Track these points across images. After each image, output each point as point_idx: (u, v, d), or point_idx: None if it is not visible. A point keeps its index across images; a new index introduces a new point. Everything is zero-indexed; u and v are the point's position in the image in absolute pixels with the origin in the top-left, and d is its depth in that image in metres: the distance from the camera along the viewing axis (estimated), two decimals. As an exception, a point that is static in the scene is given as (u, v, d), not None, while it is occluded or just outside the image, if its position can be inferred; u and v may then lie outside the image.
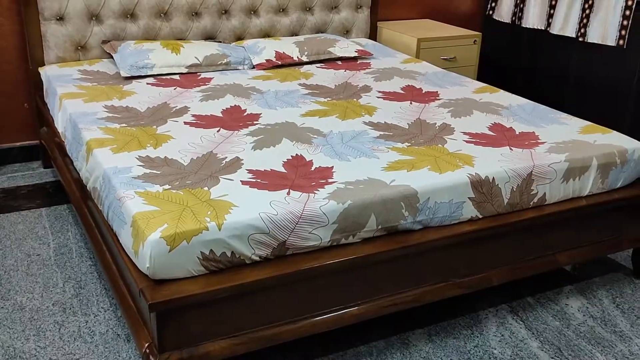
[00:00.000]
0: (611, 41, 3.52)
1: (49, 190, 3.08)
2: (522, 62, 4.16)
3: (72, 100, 2.59)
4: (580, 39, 3.65)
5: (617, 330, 2.22)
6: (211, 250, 1.71)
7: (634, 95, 3.50)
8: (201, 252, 1.70)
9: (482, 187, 2.06)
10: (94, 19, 3.11)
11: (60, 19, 3.04)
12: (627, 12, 3.42)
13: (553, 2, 3.80)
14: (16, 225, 2.75)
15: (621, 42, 3.49)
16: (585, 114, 3.10)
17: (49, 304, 2.25)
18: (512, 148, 2.28)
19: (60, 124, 2.64)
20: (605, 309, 2.33)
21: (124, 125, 2.36)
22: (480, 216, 2.10)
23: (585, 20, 3.62)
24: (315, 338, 1.96)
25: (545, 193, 2.19)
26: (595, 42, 3.58)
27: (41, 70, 3.05)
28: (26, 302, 2.25)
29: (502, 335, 2.17)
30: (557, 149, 2.28)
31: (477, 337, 2.16)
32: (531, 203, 2.18)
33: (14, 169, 3.28)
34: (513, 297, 2.37)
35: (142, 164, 2.04)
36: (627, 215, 2.39)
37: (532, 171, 2.14)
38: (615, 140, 2.39)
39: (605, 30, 3.53)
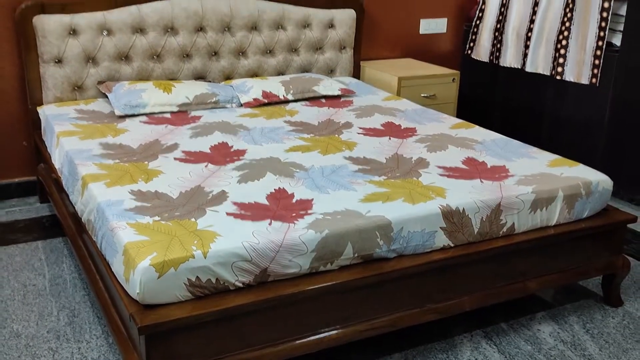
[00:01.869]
0: (585, 79, 3.70)
1: (45, 224, 3.20)
2: (499, 99, 4.35)
3: (68, 138, 2.74)
4: (558, 78, 3.83)
5: (587, 354, 2.33)
6: (197, 277, 1.84)
7: (605, 131, 3.67)
8: (188, 278, 1.83)
9: (452, 217, 2.20)
10: (90, 61, 3.28)
11: (59, 61, 3.21)
12: (598, 52, 3.61)
13: (527, 43, 4.00)
14: (13, 257, 2.87)
15: (594, 80, 3.67)
16: (559, 148, 3.26)
17: (44, 331, 2.36)
18: (482, 180, 2.42)
19: (57, 161, 2.78)
20: (576, 334, 2.45)
21: (117, 161, 2.50)
22: (452, 245, 2.23)
23: (561, 60, 3.80)
24: (296, 361, 2.08)
25: (514, 223, 2.33)
26: (570, 80, 3.77)
27: (40, 109, 3.20)
28: (22, 330, 2.36)
29: (476, 359, 2.28)
30: (525, 181, 2.43)
31: None
32: (501, 232, 2.32)
33: (12, 204, 3.41)
34: (487, 322, 2.49)
35: (134, 197, 2.17)
36: (593, 244, 2.52)
37: (500, 202, 2.28)
38: (581, 172, 2.54)
39: (580, 69, 3.72)
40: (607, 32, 3.56)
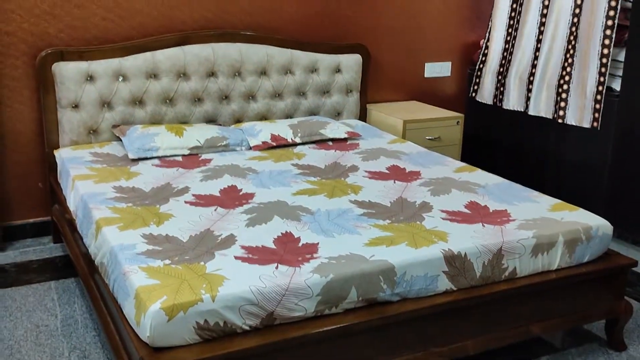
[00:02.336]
0: (586, 123, 3.78)
1: (58, 265, 3.28)
2: (503, 142, 4.42)
3: (83, 182, 2.83)
4: (560, 121, 3.91)
5: (589, 397, 2.36)
6: (205, 320, 1.90)
7: (608, 173, 3.73)
8: (196, 321, 1.89)
9: (455, 262, 2.26)
10: (105, 105, 3.39)
11: (76, 106, 3.33)
12: (599, 97, 3.70)
13: (530, 86, 4.09)
14: (27, 298, 2.94)
15: (595, 123, 3.74)
16: (563, 191, 3.32)
17: (56, 372, 2.42)
18: (484, 225, 2.48)
19: (72, 203, 2.86)
20: (578, 376, 2.48)
21: (130, 204, 2.58)
22: (455, 288, 2.28)
23: (563, 104, 3.89)
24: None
25: (515, 267, 2.38)
26: (572, 124, 3.84)
27: (56, 152, 3.31)
28: (34, 370, 2.42)
29: None
30: (526, 225, 2.49)
31: None
32: (503, 276, 2.37)
33: (26, 244, 3.49)
34: (491, 365, 2.52)
35: (145, 240, 2.25)
36: (595, 288, 2.57)
37: (501, 247, 2.34)
38: (581, 217, 2.59)
39: (581, 112, 3.80)
40: (607, 77, 3.65)
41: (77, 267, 2.82)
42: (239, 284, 1.97)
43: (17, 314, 2.80)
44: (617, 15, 3.57)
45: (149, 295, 1.89)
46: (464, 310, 2.29)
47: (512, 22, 4.24)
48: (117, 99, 3.40)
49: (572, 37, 3.81)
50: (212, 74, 3.62)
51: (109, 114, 3.41)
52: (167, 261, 2.10)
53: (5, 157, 3.39)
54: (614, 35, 3.60)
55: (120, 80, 3.39)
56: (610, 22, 3.59)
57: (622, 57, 3.65)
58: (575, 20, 3.78)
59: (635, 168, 3.62)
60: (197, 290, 1.92)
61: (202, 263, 2.09)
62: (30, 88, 3.37)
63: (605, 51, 3.63)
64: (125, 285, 2.03)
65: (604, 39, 3.62)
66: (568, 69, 3.84)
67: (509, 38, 4.26)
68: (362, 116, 4.19)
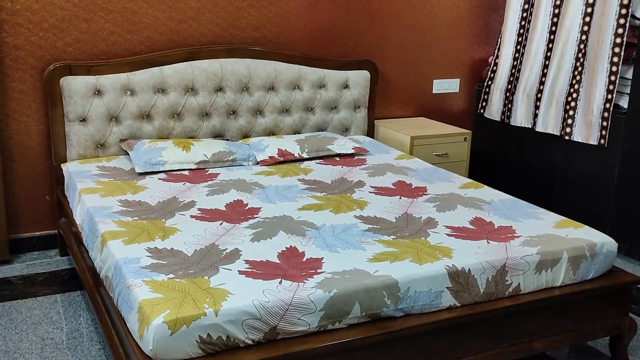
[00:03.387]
0: (594, 140, 3.77)
1: (64, 277, 3.30)
2: (510, 158, 4.42)
3: (90, 195, 2.85)
4: (567, 138, 3.90)
5: (594, 415, 2.35)
6: (208, 334, 1.90)
7: (614, 191, 3.72)
8: (199, 335, 1.89)
9: (459, 278, 2.26)
10: (113, 120, 3.42)
11: (83, 120, 3.36)
12: (606, 114, 3.69)
13: (538, 103, 4.10)
14: (32, 311, 2.95)
15: (602, 141, 3.74)
16: (570, 207, 3.32)
17: (60, 384, 2.43)
18: (489, 241, 2.48)
19: (78, 217, 2.89)
20: (583, 394, 2.47)
21: (135, 218, 2.60)
22: (459, 304, 2.28)
23: (570, 121, 3.89)
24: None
25: (519, 283, 2.37)
26: (579, 141, 3.84)
27: (63, 166, 3.34)
28: (39, 383, 2.43)
29: None
30: (530, 242, 2.48)
31: None
32: (506, 292, 2.36)
33: (32, 257, 3.51)
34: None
35: (150, 254, 2.26)
36: (599, 305, 2.55)
37: (505, 263, 2.33)
38: (585, 234, 2.59)
39: (587, 130, 3.80)
40: (614, 95, 3.65)
41: (82, 280, 2.84)
42: (242, 298, 1.98)
43: (23, 327, 2.81)
44: (625, 33, 3.58)
45: (152, 308, 1.90)
46: (467, 326, 2.29)
47: (520, 39, 4.25)
48: (125, 113, 3.43)
49: (580, 55, 3.82)
50: (220, 89, 3.65)
51: (117, 128, 3.44)
52: (171, 275, 2.11)
53: (12, 170, 3.43)
54: (622, 53, 3.60)
55: (128, 94, 3.43)
56: (618, 40, 3.60)
57: (629, 74, 3.65)
58: (584, 37, 3.79)
59: (643, 185, 3.61)
60: (200, 305, 1.93)
61: (206, 277, 2.10)
62: (38, 101, 3.41)
63: (614, 68, 3.63)
64: (129, 299, 2.04)
65: (612, 56, 3.63)
66: (576, 86, 3.84)
67: (517, 55, 4.27)
68: (370, 132, 4.21)
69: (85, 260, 2.83)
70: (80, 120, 3.36)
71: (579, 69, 3.83)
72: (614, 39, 3.62)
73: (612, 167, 3.72)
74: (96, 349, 2.66)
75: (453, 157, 4.10)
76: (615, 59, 3.62)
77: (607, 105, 3.69)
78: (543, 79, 4.07)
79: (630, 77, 3.64)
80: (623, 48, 3.60)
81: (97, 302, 2.57)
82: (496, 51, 4.40)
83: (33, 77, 3.37)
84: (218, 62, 3.63)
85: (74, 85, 3.30)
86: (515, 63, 4.29)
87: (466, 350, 2.31)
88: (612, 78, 3.65)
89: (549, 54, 4.03)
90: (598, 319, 2.57)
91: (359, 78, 4.05)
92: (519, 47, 4.26)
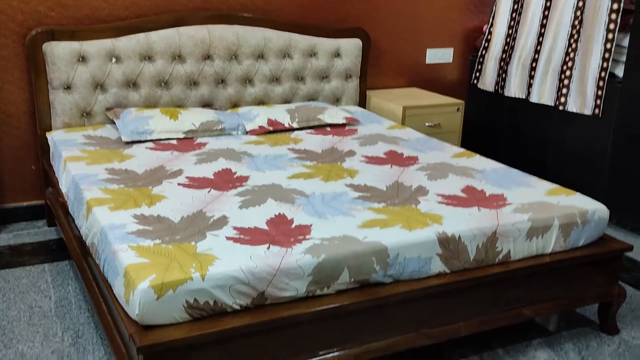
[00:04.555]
0: (588, 110, 3.74)
1: (52, 247, 3.27)
2: (504, 129, 4.39)
3: (75, 163, 2.81)
4: (561, 108, 3.87)
5: (583, 381, 2.35)
6: (195, 299, 1.88)
7: (608, 161, 3.70)
8: (186, 300, 1.87)
9: (449, 244, 2.24)
10: (99, 88, 3.36)
11: (68, 88, 3.30)
12: (601, 83, 3.66)
13: (532, 73, 4.05)
14: (20, 280, 2.92)
15: (597, 111, 3.71)
16: (564, 178, 3.29)
17: (48, 352, 2.40)
18: (480, 208, 2.46)
19: (64, 185, 2.85)
20: (572, 361, 2.47)
21: (122, 186, 2.56)
22: (448, 271, 2.26)
23: (564, 90, 3.85)
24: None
25: (509, 250, 2.36)
26: (574, 111, 3.81)
27: (48, 135, 3.29)
28: (27, 350, 2.41)
29: None
30: (522, 209, 2.46)
31: None
32: (497, 259, 2.35)
33: (20, 227, 3.48)
34: (483, 347, 2.50)
35: (136, 221, 2.23)
36: (589, 272, 2.54)
37: (496, 230, 2.31)
38: (577, 201, 2.57)
39: (583, 100, 3.76)
40: (610, 63, 3.61)
41: (70, 249, 2.81)
42: (229, 263, 1.95)
43: (10, 295, 2.79)
44: (623, -1, 3.53)
45: (138, 273, 1.88)
46: (457, 293, 2.28)
47: (516, 7, 4.19)
48: (111, 81, 3.37)
49: (577, 22, 3.76)
50: (208, 56, 3.58)
51: (102, 96, 3.38)
52: (158, 241, 2.08)
53: (-3, 139, 3.38)
54: (619, 20, 3.55)
55: (113, 61, 3.36)
56: (615, 6, 3.54)
57: (626, 42, 3.60)
58: (581, 4, 3.72)
59: (636, 156, 3.59)
60: (187, 269, 1.90)
61: (192, 243, 2.07)
62: (21, 68, 3.33)
63: (610, 36, 3.58)
64: (114, 264, 2.01)
65: (608, 23, 3.57)
66: (571, 55, 3.79)
67: (512, 23, 4.21)
68: (362, 102, 4.16)
69: (72, 230, 2.79)
70: (65, 88, 3.29)
71: (575, 36, 3.78)
72: (611, 5, 3.55)
73: (606, 138, 3.70)
74: (85, 317, 2.64)
75: (446, 128, 4.06)
76: (612, 26, 3.57)
77: (603, 74, 3.64)
78: (538, 48, 4.02)
79: (627, 45, 3.59)
80: (620, 15, 3.55)
81: (84, 271, 2.55)
82: (491, 19, 4.34)
83: (15, 43, 3.29)
84: (206, 29, 3.56)
85: (58, 52, 3.23)
86: (510, 32, 4.23)
87: (456, 316, 2.30)
88: (608, 46, 3.60)
89: (545, 21, 3.97)
90: (588, 286, 2.56)
91: (351, 46, 3.99)
92: (514, 14, 4.20)
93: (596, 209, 2.52)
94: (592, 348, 2.55)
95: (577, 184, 3.49)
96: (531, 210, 2.44)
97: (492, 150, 4.27)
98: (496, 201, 2.55)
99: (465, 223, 2.31)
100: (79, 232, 2.56)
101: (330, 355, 2.09)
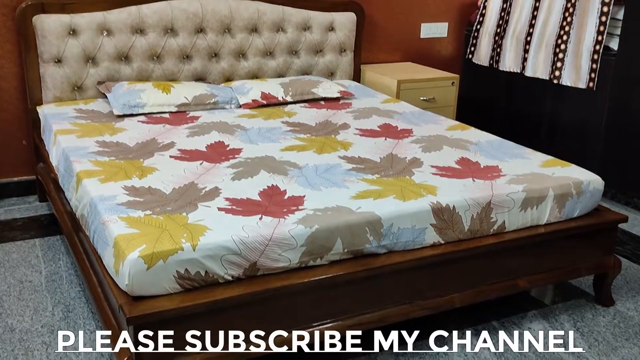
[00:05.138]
0: (582, 84, 3.71)
1: (44, 223, 3.24)
2: (499, 104, 4.36)
3: (65, 136, 2.77)
4: (555, 82, 3.84)
5: (576, 352, 2.34)
6: (186, 269, 1.86)
7: (602, 135, 3.68)
8: (177, 270, 1.85)
9: (443, 214, 2.21)
10: (90, 61, 3.31)
11: (59, 61, 3.24)
12: (596, 56, 3.62)
13: (527, 47, 4.01)
14: (10, 255, 2.90)
15: (591, 84, 3.68)
16: (558, 152, 3.25)
17: (38, 326, 2.38)
18: (474, 179, 2.44)
19: (54, 158, 2.81)
20: (566, 332, 2.46)
21: (112, 158, 2.53)
22: (443, 242, 2.24)
23: (559, 64, 3.81)
24: (284, 356, 2.09)
25: (504, 221, 2.34)
26: (568, 84, 3.78)
27: (39, 109, 3.24)
28: (16, 325, 2.39)
29: (466, 356, 2.29)
30: (516, 180, 2.44)
31: (442, 357, 2.28)
32: (491, 230, 2.33)
33: (11, 203, 3.44)
34: (478, 320, 2.49)
35: (127, 192, 2.20)
36: (584, 243, 2.53)
37: (490, 200, 2.29)
38: (572, 172, 2.55)
39: (577, 73, 3.73)
40: (604, 37, 3.57)
41: (61, 224, 2.78)
42: (221, 233, 1.92)
43: (0, 270, 2.76)
44: (617, -29, 3.49)
45: (127, 243, 1.85)
46: (451, 264, 2.26)
47: (510, -19, 4.14)
48: (102, 55, 3.32)
49: (571, -5, 3.73)
50: (200, 30, 3.53)
51: (94, 70, 3.33)
52: (148, 212, 2.05)
53: (-12, 114, 3.34)
54: (614, -8, 3.51)
55: (104, 34, 3.31)
56: (610, -21, 3.50)
57: (620, 15, 3.57)
58: (576, -24, 3.69)
59: (630, 129, 3.57)
60: (178, 239, 1.87)
61: (184, 214, 2.05)
62: (11, 42, 3.28)
63: (605, 9, 3.54)
64: (104, 235, 1.99)
65: (604, -5, 3.54)
66: (566, 28, 3.75)
67: (506, -3, 4.17)
68: (356, 77, 4.11)
69: (63, 205, 2.77)
70: (55, 62, 3.24)
71: (570, 9, 3.73)
72: (606, -22, 3.52)
73: (600, 111, 3.67)
74: (75, 291, 2.62)
75: (440, 102, 4.03)
76: (607, -1, 3.53)
77: (597, 47, 3.61)
78: (533, 22, 3.98)
79: (622, 18, 3.55)
80: (615, -13, 3.51)
81: (75, 245, 2.53)
82: (485, -7, 4.30)
83: (5, 16, 3.24)
84: (198, 2, 3.51)
85: (48, 25, 3.17)
86: (504, 5, 4.18)
87: (450, 287, 2.29)
88: (603, 19, 3.56)
89: (539, -6, 3.93)
90: (583, 257, 2.55)
91: (345, 20, 3.94)
92: (509, -12, 4.16)
93: (591, 179, 2.50)
94: (587, 319, 2.54)
95: (572, 158, 3.46)
96: (526, 181, 2.42)
97: (487, 124, 4.22)
98: (491, 172, 2.52)
99: (460, 193, 2.29)
100: (70, 206, 2.54)
101: (324, 326, 2.07)
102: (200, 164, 2.52)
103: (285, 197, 2.22)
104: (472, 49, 4.43)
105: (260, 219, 2.03)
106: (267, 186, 2.31)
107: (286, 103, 3.49)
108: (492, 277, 2.36)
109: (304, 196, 2.23)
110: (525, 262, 2.42)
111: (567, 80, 3.78)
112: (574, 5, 3.71)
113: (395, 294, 2.18)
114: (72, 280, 2.70)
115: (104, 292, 2.11)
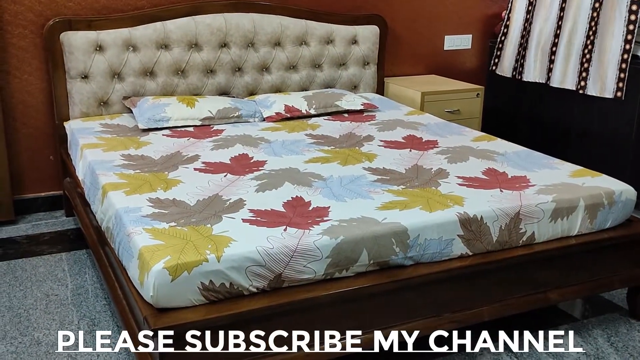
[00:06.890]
0: (609, 93, 3.65)
1: (70, 237, 3.26)
2: (525, 115, 4.30)
3: (92, 150, 2.79)
4: (580, 92, 3.78)
5: (611, 367, 2.28)
6: (210, 280, 1.84)
7: (633, 145, 3.60)
8: (201, 282, 1.83)
9: (470, 225, 2.18)
10: (116, 77, 3.34)
11: (85, 77, 3.28)
12: (624, 65, 3.56)
13: (552, 57, 3.96)
14: (37, 269, 2.91)
15: (619, 94, 3.61)
16: (588, 163, 3.20)
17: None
18: (502, 190, 2.39)
19: (80, 172, 2.83)
20: (600, 347, 2.39)
21: (138, 171, 2.53)
22: (470, 253, 2.20)
23: (584, 74, 3.76)
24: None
25: (534, 232, 2.29)
26: (594, 94, 3.72)
27: (66, 124, 3.27)
28: (42, 338, 2.39)
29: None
30: (546, 190, 2.39)
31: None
32: (520, 241, 2.28)
33: (38, 217, 3.47)
34: (509, 334, 2.43)
35: (151, 204, 2.20)
36: (617, 255, 2.47)
37: (519, 211, 2.25)
38: (603, 182, 2.49)
39: (603, 83, 3.67)
40: (633, 45, 3.51)
41: (87, 238, 2.79)
42: (245, 245, 1.91)
43: (27, 284, 2.78)
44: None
45: (152, 255, 1.84)
46: (479, 276, 2.21)
47: (534, -9, 4.10)
48: (128, 70, 3.35)
49: (597, 4, 3.67)
50: (224, 44, 3.55)
51: (120, 85, 3.36)
52: (173, 223, 2.05)
53: (15, 129, 3.36)
54: (641, -1, 3.46)
55: (130, 50, 3.34)
56: (637, -15, 3.45)
57: (647, 23, 3.51)
58: (601, -17, 3.64)
59: (662, 138, 3.50)
60: (202, 251, 1.86)
61: (208, 225, 2.04)
62: (39, 58, 3.33)
63: (633, 17, 3.49)
64: (129, 247, 1.98)
65: (631, 4, 3.48)
66: (592, 37, 3.70)
67: (530, 8, 4.13)
68: (380, 89, 4.10)
69: (89, 219, 2.77)
70: (82, 77, 3.28)
71: (596, 19, 3.68)
72: (633, -15, 3.47)
73: (630, 122, 3.60)
74: (101, 305, 2.62)
75: (465, 114, 3.99)
76: (634, 7, 3.47)
77: (625, 56, 3.55)
78: (558, 32, 3.93)
79: (649, 26, 3.50)
80: (642, -5, 3.46)
81: (101, 259, 2.52)
82: (509, 5, 4.26)
83: (33, 33, 3.29)
84: (222, 17, 3.53)
85: (75, 41, 3.21)
86: (527, 16, 4.15)
87: (478, 300, 2.24)
88: (631, 27, 3.51)
89: (564, 4, 3.88)
90: (615, 269, 2.48)
91: (368, 33, 3.93)
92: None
93: (623, 189, 2.45)
94: (622, 334, 2.47)
95: (602, 168, 3.40)
96: (555, 192, 2.37)
97: (513, 136, 4.18)
98: (519, 183, 2.48)
99: (487, 204, 2.25)
100: (96, 220, 2.54)
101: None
102: (225, 176, 2.51)
103: (310, 208, 2.20)
104: (496, 60, 4.39)
105: (285, 230, 2.01)
106: (292, 197, 2.29)
107: (310, 116, 3.48)
108: (522, 290, 2.31)
109: (329, 207, 2.21)
110: (556, 274, 2.36)
111: (592, 90, 3.73)
112: (599, 14, 3.66)
113: (422, 307, 2.14)
114: (98, 294, 2.70)
115: (128, 303, 2.10)
